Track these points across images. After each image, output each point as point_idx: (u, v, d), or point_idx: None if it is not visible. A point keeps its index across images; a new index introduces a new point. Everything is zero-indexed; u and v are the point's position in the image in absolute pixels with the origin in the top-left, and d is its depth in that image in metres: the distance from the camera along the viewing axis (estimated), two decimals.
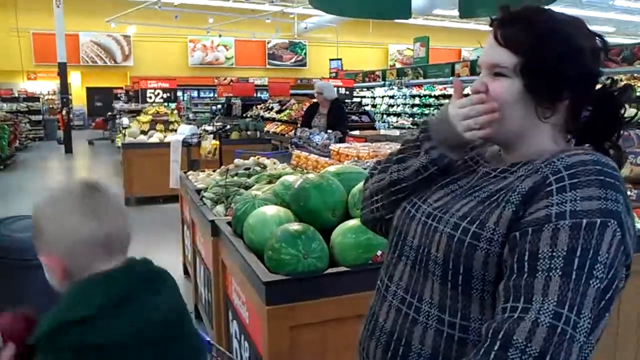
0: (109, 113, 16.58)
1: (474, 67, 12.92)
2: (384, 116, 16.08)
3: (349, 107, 11.95)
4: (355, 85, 15.19)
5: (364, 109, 12.57)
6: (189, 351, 1.10)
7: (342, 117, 6.06)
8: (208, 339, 1.35)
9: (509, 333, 0.78)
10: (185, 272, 4.54)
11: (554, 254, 0.81)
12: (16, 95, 19.96)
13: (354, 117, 11.60)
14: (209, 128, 5.78)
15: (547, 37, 0.96)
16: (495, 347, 0.78)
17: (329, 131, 5.47)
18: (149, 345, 1.00)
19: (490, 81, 1.00)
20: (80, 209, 1.03)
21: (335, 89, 6.09)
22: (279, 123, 13.55)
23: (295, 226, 2.02)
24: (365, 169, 3.31)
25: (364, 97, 17.38)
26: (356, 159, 4.04)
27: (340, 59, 21.19)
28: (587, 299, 0.78)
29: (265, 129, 13.34)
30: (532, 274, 0.81)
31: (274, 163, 4.10)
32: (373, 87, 17.39)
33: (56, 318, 0.97)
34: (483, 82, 1.01)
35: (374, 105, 16.87)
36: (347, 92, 12.09)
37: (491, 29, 1.02)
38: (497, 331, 0.79)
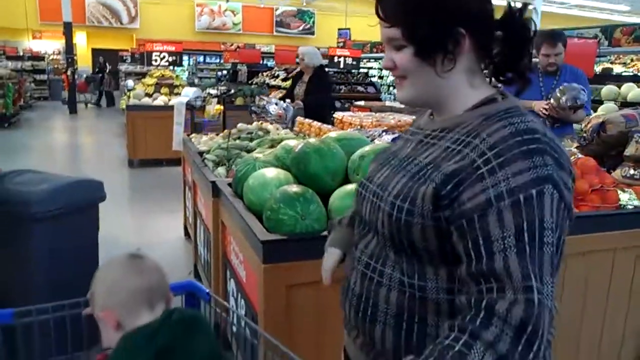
0: (90, 74, 16.26)
1: None
2: (391, 88, 15.95)
3: (355, 78, 11.88)
4: (362, 55, 15.02)
5: (370, 80, 12.48)
6: None
7: (323, 84, 5.62)
8: (207, 290, 1.38)
9: (491, 305, 0.83)
10: (186, 233, 4.60)
11: (505, 234, 0.86)
12: (21, 54, 19.83)
13: (359, 88, 11.55)
14: (213, 92, 5.74)
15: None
16: (481, 316, 0.83)
17: (287, 101, 5.23)
18: None
19: (394, 55, 1.05)
20: (127, 268, 1.23)
21: (320, 56, 5.68)
22: (284, 91, 13.49)
23: (295, 188, 2.04)
24: (367, 137, 3.32)
25: (371, 68, 17.21)
26: (359, 127, 4.05)
27: (349, 29, 20.90)
28: (544, 265, 0.85)
29: (270, 96, 13.32)
30: (490, 257, 0.86)
31: (277, 129, 4.10)
32: (381, 59, 17.20)
33: None
34: (389, 58, 1.06)
35: (380, 77, 16.73)
36: (354, 63, 11.95)
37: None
38: (476, 309, 0.85)
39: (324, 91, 5.59)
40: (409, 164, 1.05)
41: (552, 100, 3.52)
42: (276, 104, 4.85)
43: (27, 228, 2.39)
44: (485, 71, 1.07)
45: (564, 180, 0.91)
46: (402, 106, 8.34)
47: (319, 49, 6.12)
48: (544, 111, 3.53)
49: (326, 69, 6.15)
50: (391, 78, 16.18)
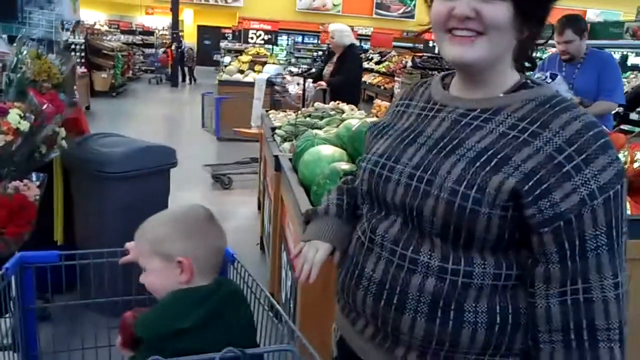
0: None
1: (594, 31, 11.88)
2: None
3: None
4: None
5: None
6: None
7: (351, 64, 5.32)
8: (232, 252, 1.44)
9: (589, 320, 0.89)
10: (260, 207, 4.76)
11: (597, 231, 0.88)
12: (134, 28, 21.16)
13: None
14: (294, 69, 5.83)
15: None
16: (585, 338, 0.90)
17: (308, 81, 5.04)
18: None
19: (482, 5, 0.92)
20: (211, 225, 1.21)
21: (351, 35, 5.39)
22: (377, 74, 13.43)
23: (344, 165, 2.06)
24: None
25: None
26: None
27: None
28: (623, 255, 0.92)
29: (363, 79, 13.31)
30: (584, 257, 0.89)
31: (352, 109, 4.11)
32: None
33: (155, 327, 1.11)
34: (472, 6, 0.92)
35: None
36: None
37: None
38: (576, 322, 0.90)
39: (352, 71, 5.32)
40: (457, 147, 0.96)
41: None
42: (298, 84, 4.74)
43: (103, 185, 2.61)
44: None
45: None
46: None
47: (416, 33, 5.92)
48: None
49: (357, 49, 5.90)
50: None
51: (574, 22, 3.51)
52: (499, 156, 0.91)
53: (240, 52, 12.15)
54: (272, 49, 11.63)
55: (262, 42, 11.01)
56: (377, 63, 14.02)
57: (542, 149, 0.89)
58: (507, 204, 0.90)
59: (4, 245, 2.12)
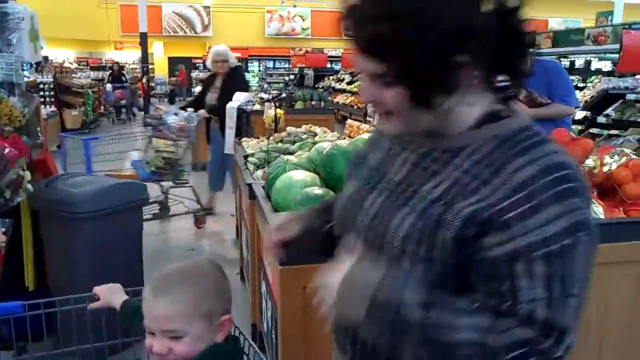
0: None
1: (557, 39, 12.20)
2: None
3: None
4: None
5: None
6: None
7: (240, 88, 4.92)
8: None
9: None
10: (238, 235, 4.71)
11: (534, 284, 0.80)
12: (103, 64, 21.08)
13: None
14: (265, 96, 5.82)
15: (398, 32, 0.82)
16: None
17: (188, 110, 4.64)
18: None
19: (378, 91, 0.90)
20: (224, 278, 1.18)
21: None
22: (349, 94, 13.54)
23: (316, 190, 2.04)
24: None
25: None
26: None
27: None
28: (568, 319, 0.81)
29: (336, 100, 13.40)
30: (515, 303, 0.81)
31: (325, 132, 4.11)
32: None
33: None
34: (370, 93, 0.91)
35: None
36: None
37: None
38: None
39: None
40: (411, 196, 0.92)
41: None
42: (176, 114, 4.31)
43: (73, 226, 2.54)
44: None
45: (591, 216, 0.86)
46: None
47: None
48: None
49: (241, 70, 5.59)
50: None
51: None
52: (447, 206, 0.87)
53: None
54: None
55: None
56: (349, 83, 14.14)
57: (489, 197, 0.83)
58: (457, 253, 0.85)
59: None
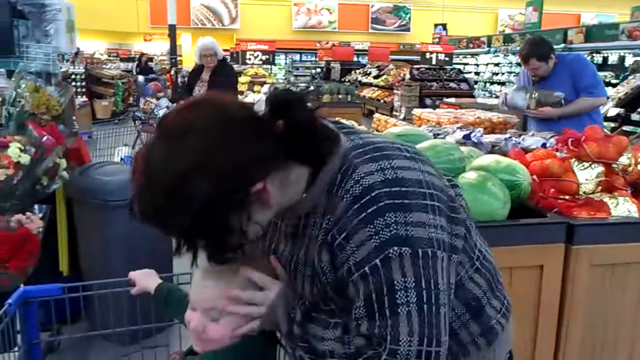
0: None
1: (590, 33, 11.94)
2: (487, 84, 15.38)
3: (447, 74, 11.59)
4: (455, 51, 14.62)
5: (463, 77, 12.10)
6: None
7: (229, 81, 4.90)
8: None
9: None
10: None
11: (358, 303, 0.90)
12: (133, 55, 21.37)
13: (451, 85, 11.24)
14: (293, 89, 5.82)
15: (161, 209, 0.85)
16: None
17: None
18: None
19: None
20: None
21: None
22: (375, 88, 13.48)
23: None
24: (440, 133, 3.25)
25: (467, 64, 16.70)
26: (435, 124, 3.96)
27: (445, 24, 20.43)
28: (398, 326, 0.87)
29: (362, 93, 13.36)
30: (356, 322, 0.92)
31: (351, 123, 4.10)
32: (477, 54, 16.65)
33: None
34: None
35: (477, 73, 16.18)
36: (447, 59, 11.66)
37: None
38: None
39: (230, 88, 4.87)
40: (297, 265, 1.01)
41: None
42: (167, 107, 4.03)
43: (106, 214, 2.60)
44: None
45: (415, 221, 0.87)
46: (494, 103, 8.03)
47: (413, 45, 5.88)
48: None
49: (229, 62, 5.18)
50: (488, 74, 15.65)
51: (537, 49, 3.49)
52: (319, 267, 0.96)
53: (239, 73, 12.25)
54: (271, 68, 11.68)
55: (260, 62, 11.02)
56: (376, 77, 14.07)
57: (325, 240, 0.92)
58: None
59: (8, 280, 2.11)
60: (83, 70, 11.55)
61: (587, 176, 2.18)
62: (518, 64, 14.62)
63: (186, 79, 5.20)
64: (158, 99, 4.57)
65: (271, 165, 0.88)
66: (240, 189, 0.84)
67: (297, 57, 23.59)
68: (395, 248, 0.85)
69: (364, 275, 0.87)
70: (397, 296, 0.85)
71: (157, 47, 23.32)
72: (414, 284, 0.85)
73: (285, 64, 21.77)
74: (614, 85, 8.20)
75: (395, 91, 11.04)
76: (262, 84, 9.65)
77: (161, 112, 3.91)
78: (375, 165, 0.90)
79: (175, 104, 4.21)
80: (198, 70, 5.04)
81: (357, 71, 15.80)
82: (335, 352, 0.94)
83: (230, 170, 0.83)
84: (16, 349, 1.37)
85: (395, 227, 0.85)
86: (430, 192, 0.90)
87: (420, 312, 0.86)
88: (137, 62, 17.81)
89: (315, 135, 0.92)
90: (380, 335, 0.87)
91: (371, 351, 0.90)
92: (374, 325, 0.87)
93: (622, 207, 2.07)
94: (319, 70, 17.82)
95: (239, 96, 5.01)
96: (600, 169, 2.20)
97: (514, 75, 14.65)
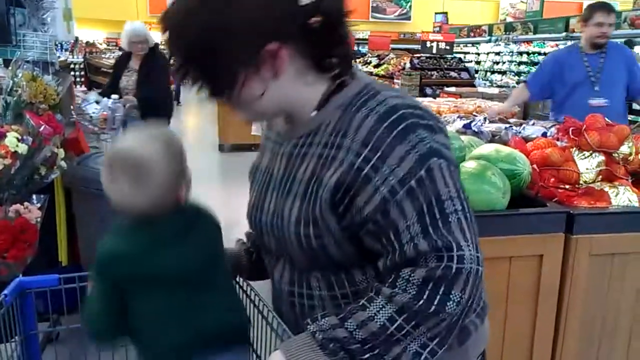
0: None
1: None
2: (488, 74, 15.32)
3: (447, 63, 11.52)
4: (456, 40, 14.54)
5: (464, 66, 12.03)
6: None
7: (162, 70, 4.28)
8: None
9: (399, 272, 0.88)
10: None
11: (409, 222, 0.86)
12: None
13: (452, 74, 11.18)
14: None
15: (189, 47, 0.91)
16: (389, 280, 0.88)
17: (112, 97, 3.89)
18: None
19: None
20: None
21: None
22: (376, 77, 13.44)
23: None
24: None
25: (468, 53, 16.63)
26: (435, 113, 3.95)
27: (446, 13, 20.30)
28: (455, 233, 0.86)
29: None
30: (402, 249, 0.87)
31: None
32: (478, 43, 16.56)
33: (109, 249, 1.12)
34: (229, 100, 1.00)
35: (477, 62, 16.10)
36: (447, 48, 11.58)
37: None
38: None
39: (163, 78, 4.40)
40: (292, 183, 0.99)
41: None
42: (97, 102, 3.65)
43: (103, 203, 2.57)
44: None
45: (442, 141, 0.91)
46: (495, 92, 8.00)
47: (413, 34, 5.81)
48: None
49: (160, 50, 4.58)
50: (489, 63, 15.58)
51: (602, 3, 3.50)
52: (317, 183, 0.94)
53: None
54: None
55: None
56: (376, 66, 14.00)
57: (345, 160, 0.90)
58: (343, 225, 0.92)
59: (6, 270, 2.11)
60: (82, 60, 11.49)
61: (587, 165, 2.17)
62: (519, 53, 14.57)
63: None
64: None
65: (292, 32, 0.91)
66: (256, 38, 0.89)
67: None
68: (435, 159, 0.87)
69: (410, 190, 0.86)
70: (445, 205, 0.87)
71: (157, 37, 23.18)
72: (456, 194, 0.88)
73: None
74: None
75: (395, 80, 10.99)
76: None
77: (89, 108, 3.55)
78: (395, 92, 0.95)
79: (106, 99, 3.90)
80: (126, 57, 4.53)
81: (358, 60, 15.72)
82: (391, 316, 0.85)
83: (254, 13, 0.88)
84: (13, 340, 1.36)
85: (428, 141, 0.88)
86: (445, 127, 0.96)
87: (466, 219, 0.89)
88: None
89: (340, 37, 0.95)
90: (444, 246, 0.85)
91: (433, 272, 0.84)
92: (432, 239, 0.85)
93: (622, 196, 2.06)
94: None
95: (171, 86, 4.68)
96: (601, 158, 2.19)
97: (515, 65, 14.59)
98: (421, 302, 0.84)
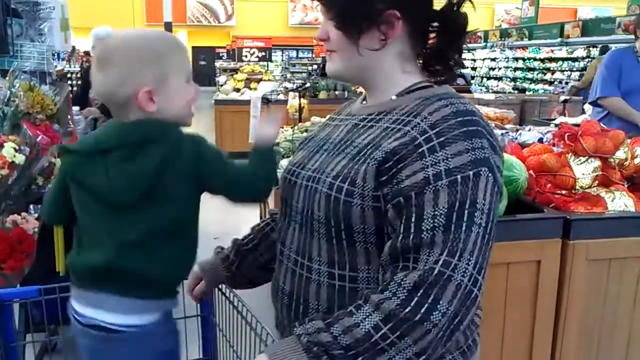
0: None
1: (586, 28, 11.94)
2: (484, 80, 15.38)
3: None
4: None
5: (460, 72, 12.08)
6: None
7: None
8: None
9: (394, 274, 0.88)
10: None
11: (436, 212, 0.87)
12: None
13: None
14: (289, 85, 5.83)
15: None
16: (382, 285, 0.89)
17: (74, 109, 3.63)
18: None
19: (329, 26, 1.04)
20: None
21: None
22: None
23: None
24: None
25: (464, 59, 16.55)
26: None
27: None
28: (468, 244, 0.87)
29: (359, 90, 13.32)
30: (418, 235, 0.88)
31: None
32: (474, 49, 16.63)
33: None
34: (324, 29, 1.05)
35: (473, 68, 16.18)
36: None
37: None
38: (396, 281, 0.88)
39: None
40: (347, 146, 1.03)
41: None
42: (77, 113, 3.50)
43: None
44: (419, 61, 1.07)
45: (498, 164, 0.94)
46: (491, 98, 8.04)
47: None
48: None
49: None
50: (485, 69, 15.64)
51: None
52: (373, 148, 0.97)
53: (235, 70, 12.24)
54: (267, 65, 11.68)
55: (257, 59, 11.05)
56: None
57: (408, 133, 0.94)
58: (376, 193, 0.93)
59: (3, 280, 2.10)
60: (79, 69, 11.50)
61: (583, 171, 2.18)
62: (515, 59, 14.64)
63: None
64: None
65: (416, 13, 1.01)
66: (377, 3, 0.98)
67: (294, 53, 23.48)
68: (486, 169, 0.90)
69: (453, 182, 0.88)
70: (475, 214, 0.88)
71: None
72: (487, 211, 0.90)
73: (282, 60, 21.67)
74: None
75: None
76: (258, 81, 9.63)
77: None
78: (469, 101, 1.00)
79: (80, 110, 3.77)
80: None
81: None
82: (377, 324, 0.85)
83: None
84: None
85: (489, 154, 0.92)
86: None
87: (483, 238, 0.89)
88: None
89: (456, 41, 1.05)
90: (451, 250, 0.86)
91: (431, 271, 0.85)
92: (449, 237, 0.86)
93: (618, 201, 2.07)
94: (315, 66, 17.78)
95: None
96: (597, 163, 2.20)
97: (511, 70, 14.64)
98: (408, 308, 0.84)
